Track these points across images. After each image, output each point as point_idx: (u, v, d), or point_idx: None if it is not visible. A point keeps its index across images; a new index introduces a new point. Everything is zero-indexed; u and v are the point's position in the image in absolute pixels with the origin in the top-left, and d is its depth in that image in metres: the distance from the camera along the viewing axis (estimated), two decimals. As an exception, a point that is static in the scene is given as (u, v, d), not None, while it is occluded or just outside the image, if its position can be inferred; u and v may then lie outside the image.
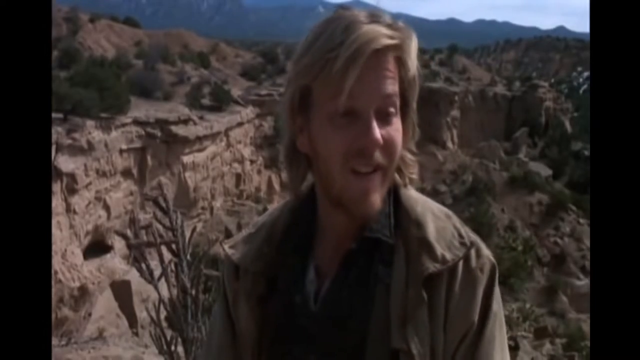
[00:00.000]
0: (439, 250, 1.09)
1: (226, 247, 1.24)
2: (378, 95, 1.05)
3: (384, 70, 1.06)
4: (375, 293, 1.09)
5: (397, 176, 1.15)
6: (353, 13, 1.07)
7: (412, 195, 1.16)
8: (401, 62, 1.08)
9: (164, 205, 3.53)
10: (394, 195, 1.15)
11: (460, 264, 1.10)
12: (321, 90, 1.06)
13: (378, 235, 1.12)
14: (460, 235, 1.13)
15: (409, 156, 1.16)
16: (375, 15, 1.07)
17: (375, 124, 1.05)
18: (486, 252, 1.13)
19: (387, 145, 1.07)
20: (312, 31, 1.08)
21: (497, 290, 1.14)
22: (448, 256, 1.09)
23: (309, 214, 1.18)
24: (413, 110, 1.14)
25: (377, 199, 1.09)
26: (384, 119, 1.07)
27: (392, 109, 1.07)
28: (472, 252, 1.11)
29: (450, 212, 1.18)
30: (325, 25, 1.07)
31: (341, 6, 1.10)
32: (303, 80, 1.07)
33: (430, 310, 1.08)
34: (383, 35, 1.04)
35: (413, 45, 1.09)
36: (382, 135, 1.05)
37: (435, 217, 1.14)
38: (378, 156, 1.06)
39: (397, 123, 1.09)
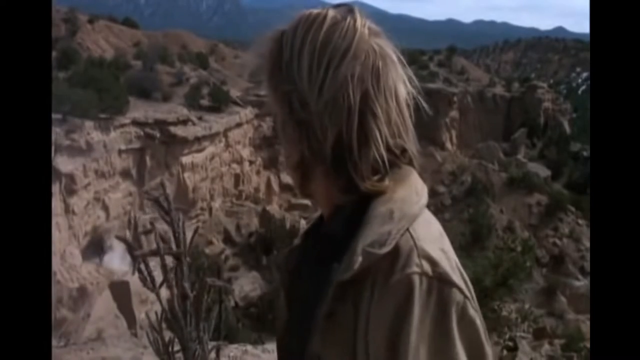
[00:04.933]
0: (358, 253, 1.01)
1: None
2: None
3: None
4: (326, 290, 1.05)
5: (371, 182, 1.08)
6: None
7: (392, 197, 1.08)
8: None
9: (165, 205, 3.51)
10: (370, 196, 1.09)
11: (382, 272, 1.00)
12: None
13: (331, 232, 1.13)
14: (388, 243, 1.01)
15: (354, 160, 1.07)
16: None
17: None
18: (426, 267, 0.99)
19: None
20: None
21: (428, 314, 0.97)
22: (357, 262, 1.00)
23: None
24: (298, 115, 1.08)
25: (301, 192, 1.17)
26: None
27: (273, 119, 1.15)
28: (390, 261, 1.00)
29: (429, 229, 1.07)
30: None
31: None
32: None
33: (345, 316, 1.02)
34: None
35: (267, 51, 1.12)
36: None
37: (386, 220, 1.04)
38: None
39: (281, 133, 1.13)
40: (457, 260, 1.06)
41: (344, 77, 1.05)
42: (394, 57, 1.11)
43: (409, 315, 0.96)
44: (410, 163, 1.14)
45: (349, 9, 1.10)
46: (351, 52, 1.06)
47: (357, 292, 1.01)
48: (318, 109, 1.06)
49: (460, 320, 0.99)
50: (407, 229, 1.03)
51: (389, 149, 1.08)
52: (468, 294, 1.02)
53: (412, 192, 1.10)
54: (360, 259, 0.99)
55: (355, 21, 1.08)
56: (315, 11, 1.10)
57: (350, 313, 1.01)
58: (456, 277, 1.01)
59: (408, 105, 1.13)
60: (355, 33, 1.07)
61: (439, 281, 0.99)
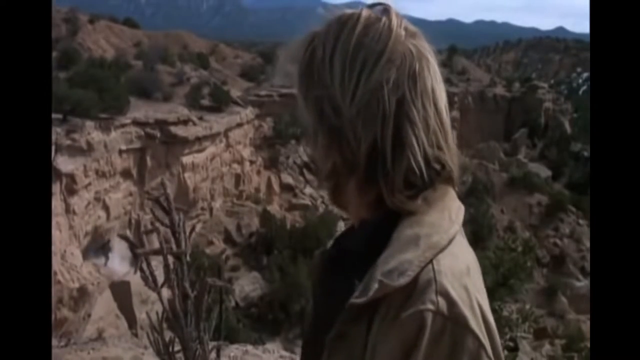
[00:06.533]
0: (375, 280, 0.95)
1: None
2: None
3: None
4: (339, 310, 0.99)
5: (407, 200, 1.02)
6: None
7: (421, 220, 1.01)
8: None
9: (165, 205, 3.51)
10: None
11: (397, 303, 0.93)
12: None
13: (352, 247, 1.07)
14: (407, 274, 0.94)
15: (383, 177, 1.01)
16: None
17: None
18: (442, 306, 0.92)
19: None
20: None
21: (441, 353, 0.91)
22: (372, 290, 0.94)
23: None
24: (324, 127, 1.04)
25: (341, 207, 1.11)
26: None
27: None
28: (407, 293, 0.93)
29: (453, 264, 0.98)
30: None
31: None
32: None
33: (357, 338, 0.96)
34: None
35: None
36: None
37: (411, 247, 0.97)
38: None
39: (312, 140, 1.07)
40: (480, 298, 0.97)
41: (378, 82, 0.99)
42: (432, 60, 1.05)
43: (416, 353, 0.90)
44: (448, 181, 1.06)
45: (384, 9, 1.04)
46: (386, 55, 1.00)
47: (372, 315, 0.95)
48: (351, 116, 1.00)
49: None
50: (431, 260, 0.95)
51: (426, 161, 1.01)
52: (484, 341, 0.93)
53: (444, 216, 1.02)
54: (376, 286, 0.93)
55: (390, 22, 1.02)
56: (348, 12, 1.04)
57: (363, 335, 0.96)
58: (474, 321, 0.93)
59: (447, 112, 1.06)
60: (390, 35, 1.01)
61: (454, 324, 0.92)
